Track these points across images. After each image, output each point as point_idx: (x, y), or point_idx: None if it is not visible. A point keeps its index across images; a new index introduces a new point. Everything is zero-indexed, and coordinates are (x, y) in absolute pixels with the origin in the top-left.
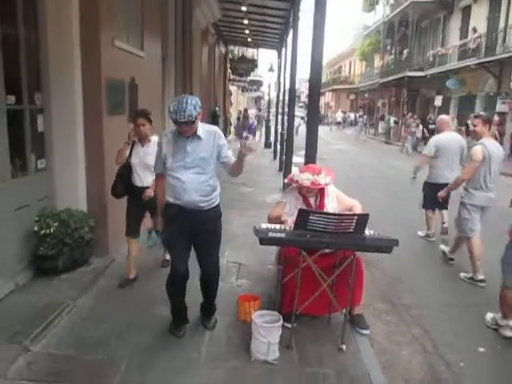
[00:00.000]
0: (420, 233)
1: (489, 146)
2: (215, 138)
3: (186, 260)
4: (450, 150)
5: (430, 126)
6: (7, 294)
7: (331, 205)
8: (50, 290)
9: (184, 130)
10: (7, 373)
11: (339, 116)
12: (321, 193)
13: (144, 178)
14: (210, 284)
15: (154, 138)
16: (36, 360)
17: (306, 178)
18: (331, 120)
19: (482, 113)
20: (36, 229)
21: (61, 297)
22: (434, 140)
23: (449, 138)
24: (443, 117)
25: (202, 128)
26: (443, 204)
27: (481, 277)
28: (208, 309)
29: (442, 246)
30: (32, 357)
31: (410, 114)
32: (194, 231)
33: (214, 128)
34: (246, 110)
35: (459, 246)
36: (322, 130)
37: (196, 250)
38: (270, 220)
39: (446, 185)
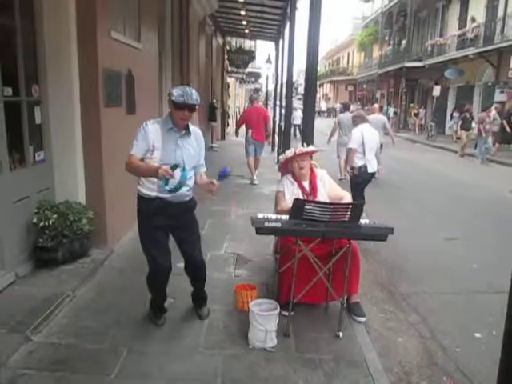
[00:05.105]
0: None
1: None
2: (198, 139)
3: (169, 254)
4: (377, 126)
5: None
6: (8, 285)
7: (324, 187)
8: (51, 281)
9: (184, 117)
10: (9, 362)
11: (323, 106)
12: (312, 176)
13: None
14: (201, 271)
15: None
16: (37, 349)
17: (290, 151)
18: (317, 110)
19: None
20: (35, 221)
21: (61, 288)
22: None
23: (377, 118)
24: (375, 105)
25: (191, 125)
26: None
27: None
28: (201, 295)
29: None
30: (33, 346)
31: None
32: (175, 223)
33: (199, 130)
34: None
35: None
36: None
37: (180, 241)
38: (283, 213)
39: None
